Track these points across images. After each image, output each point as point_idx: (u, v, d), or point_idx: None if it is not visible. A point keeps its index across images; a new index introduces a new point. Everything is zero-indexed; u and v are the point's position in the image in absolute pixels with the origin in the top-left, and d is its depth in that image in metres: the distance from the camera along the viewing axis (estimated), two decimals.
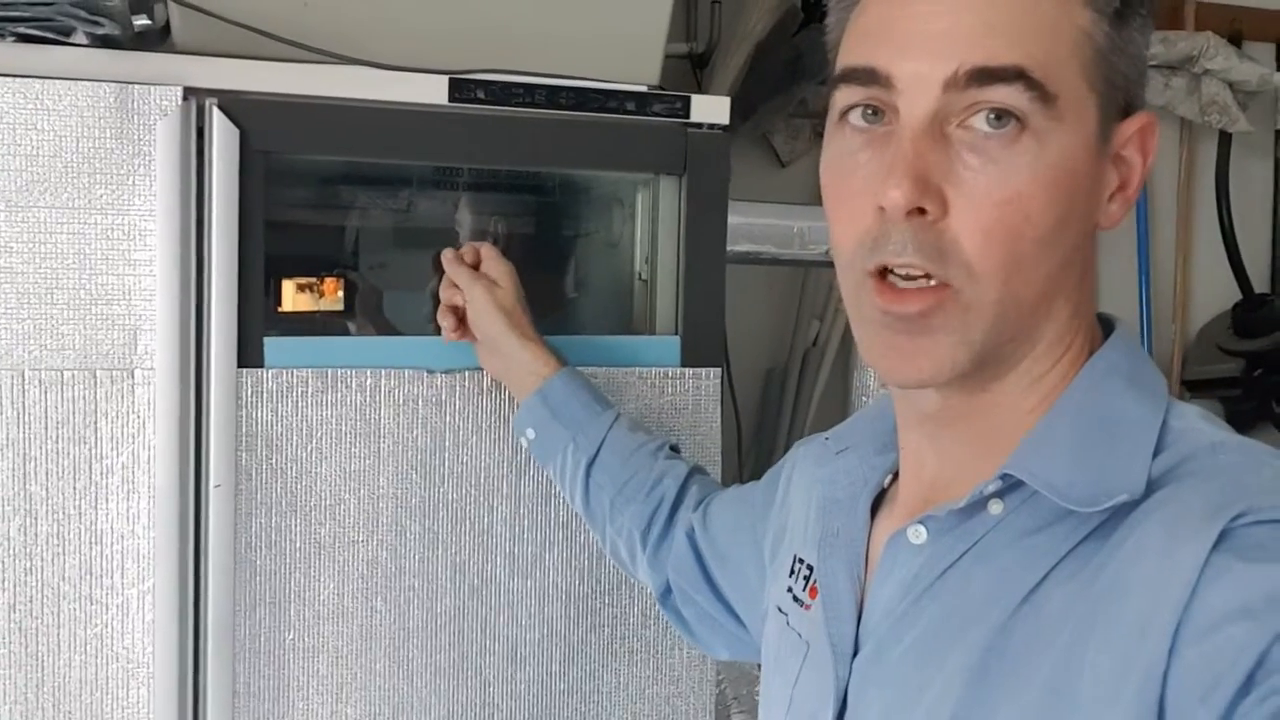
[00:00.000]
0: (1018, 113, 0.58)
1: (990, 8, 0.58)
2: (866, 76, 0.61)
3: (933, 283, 0.60)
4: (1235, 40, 2.08)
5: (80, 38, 0.98)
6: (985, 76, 0.58)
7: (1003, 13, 0.58)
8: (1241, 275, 2.19)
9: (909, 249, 0.59)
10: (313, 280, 1.19)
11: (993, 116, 0.58)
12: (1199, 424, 0.63)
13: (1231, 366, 2.13)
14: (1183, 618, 0.52)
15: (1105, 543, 0.58)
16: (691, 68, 1.77)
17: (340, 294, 1.20)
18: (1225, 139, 2.15)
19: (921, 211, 0.59)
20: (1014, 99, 0.58)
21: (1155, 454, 0.60)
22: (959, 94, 0.58)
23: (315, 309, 1.19)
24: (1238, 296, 2.19)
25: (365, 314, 1.24)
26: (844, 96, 0.63)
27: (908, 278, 0.61)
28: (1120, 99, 0.62)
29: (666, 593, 1.02)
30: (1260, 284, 2.22)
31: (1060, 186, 0.59)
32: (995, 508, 0.63)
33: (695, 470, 1.06)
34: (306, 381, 1.06)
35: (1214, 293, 2.21)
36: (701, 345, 1.18)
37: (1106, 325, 0.68)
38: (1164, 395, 0.64)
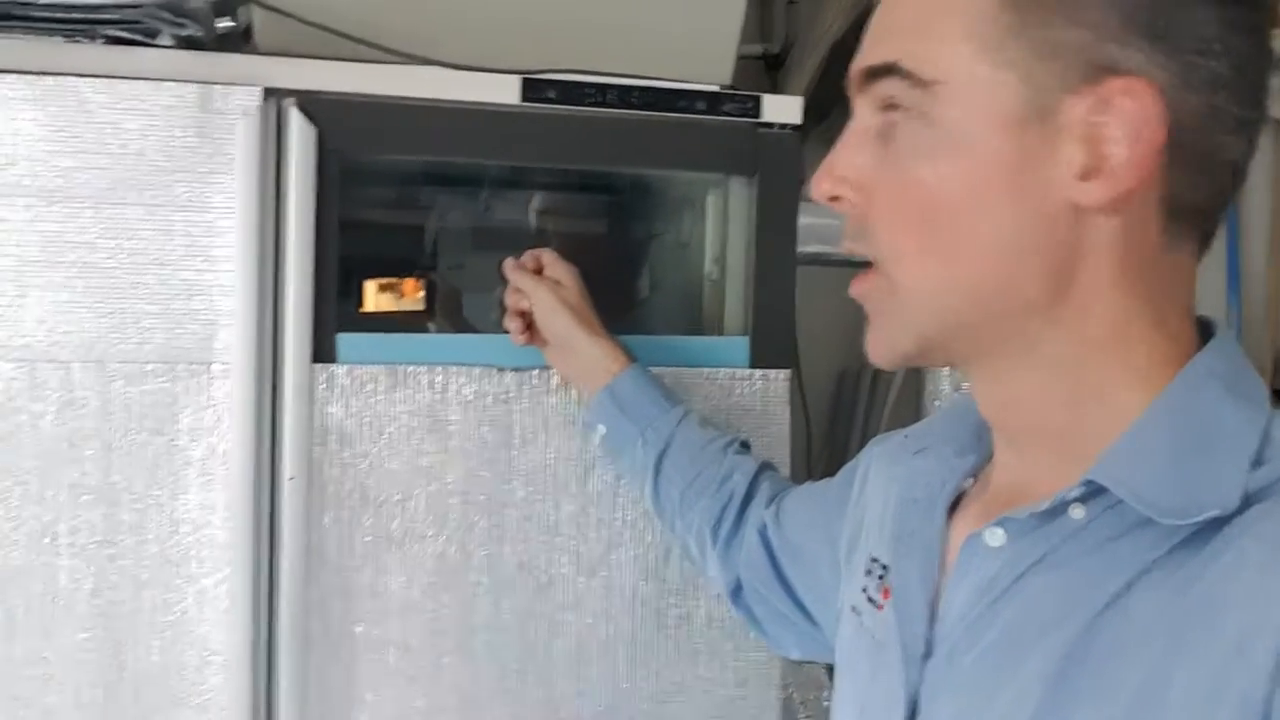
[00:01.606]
0: (900, 103, 0.62)
1: (886, 14, 0.64)
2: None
3: (869, 268, 0.65)
4: None
5: (165, 39, 1.01)
6: (872, 75, 0.63)
7: (893, 16, 0.63)
8: None
9: (845, 234, 0.66)
10: (394, 280, 1.21)
11: (885, 108, 0.63)
12: None
13: None
14: None
15: (1198, 553, 0.56)
16: (766, 69, 1.76)
17: (421, 294, 1.22)
18: None
19: (842, 200, 0.65)
20: (895, 91, 0.61)
21: (1255, 465, 0.57)
22: (865, 94, 0.64)
23: (396, 309, 1.21)
24: None
25: (445, 314, 1.26)
26: None
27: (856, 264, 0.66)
28: (1069, 68, 0.58)
29: (737, 590, 1.01)
30: None
31: (960, 167, 0.60)
32: (1077, 512, 0.61)
33: (765, 466, 1.06)
34: (378, 378, 1.07)
35: None
36: (771, 346, 1.17)
37: (1205, 330, 0.65)
38: (1266, 405, 0.61)
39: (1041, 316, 0.62)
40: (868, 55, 0.63)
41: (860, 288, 0.66)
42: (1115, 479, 0.59)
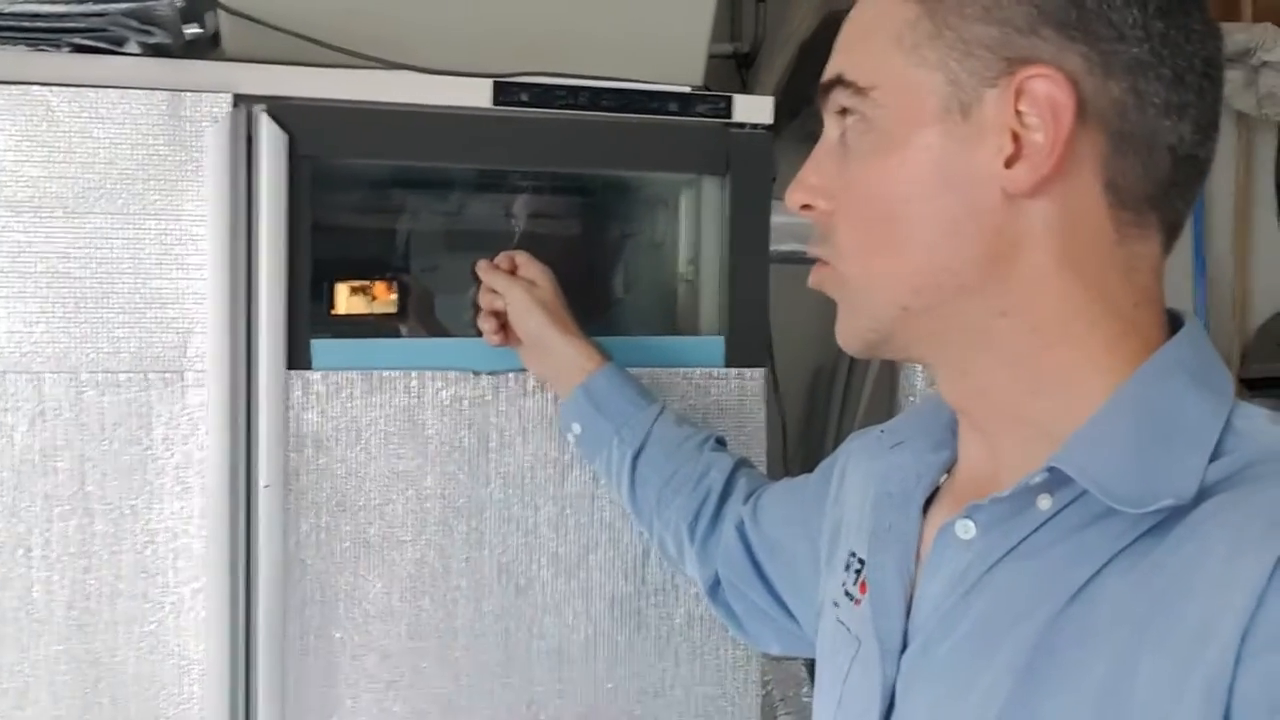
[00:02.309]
0: (848, 110, 0.66)
1: (841, 33, 0.68)
2: None
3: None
4: None
5: (133, 47, 1.01)
6: (827, 88, 0.68)
7: (844, 33, 0.68)
8: None
9: (813, 239, 0.70)
10: (365, 283, 1.20)
11: (839, 119, 0.67)
12: (1267, 426, 0.60)
13: None
14: (1249, 627, 0.51)
15: (1162, 541, 0.57)
16: (736, 68, 1.77)
17: (393, 297, 1.22)
18: None
19: (816, 210, 0.69)
20: (843, 100, 0.66)
21: (1217, 456, 0.58)
22: (827, 106, 0.68)
23: (368, 312, 1.20)
24: None
25: (418, 316, 1.26)
26: None
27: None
28: (986, 63, 0.61)
29: (715, 587, 1.02)
30: None
31: (894, 164, 0.64)
32: (1044, 502, 0.62)
33: (742, 463, 1.06)
34: (354, 383, 1.07)
35: (1274, 289, 2.16)
36: (746, 345, 1.18)
37: (1176, 321, 0.67)
38: (1229, 395, 0.62)
39: (986, 305, 0.63)
40: (826, 72, 0.69)
41: (815, 278, 0.71)
42: (1077, 466, 0.60)
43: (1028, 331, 0.63)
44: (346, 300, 1.19)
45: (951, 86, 0.62)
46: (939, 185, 0.63)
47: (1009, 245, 0.62)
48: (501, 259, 1.12)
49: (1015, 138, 0.61)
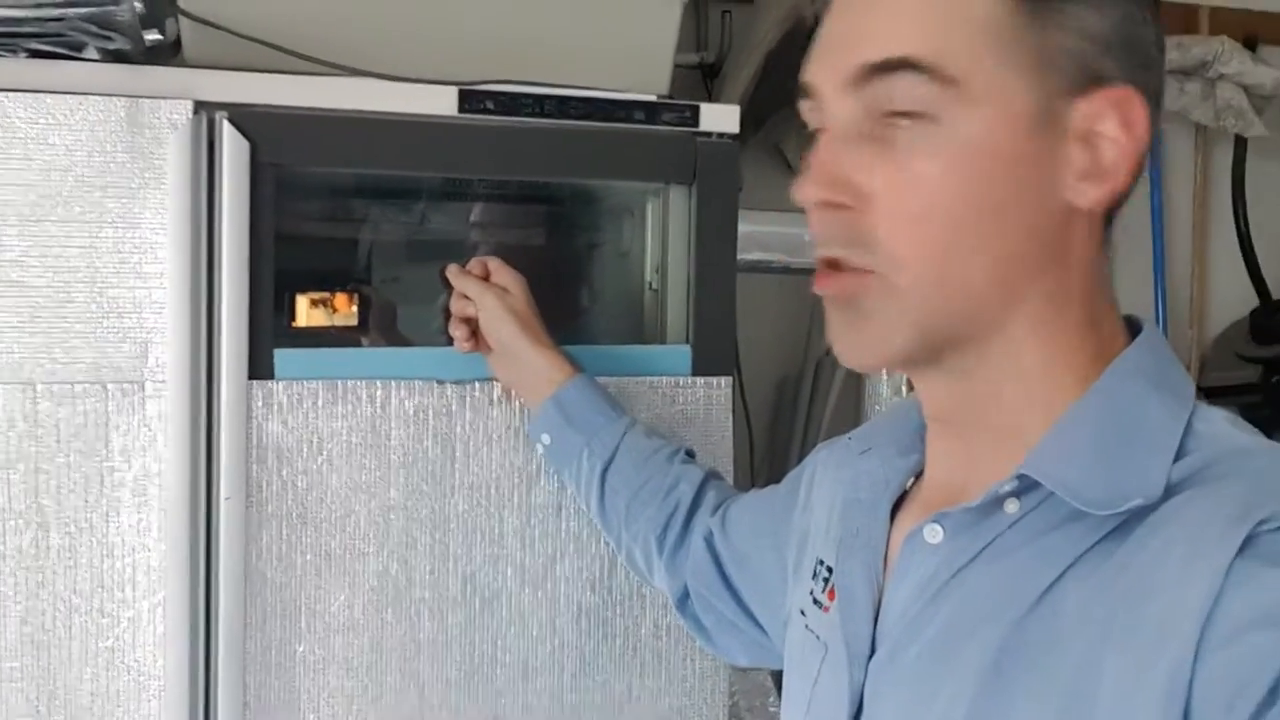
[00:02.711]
0: (917, 102, 0.60)
1: (887, 9, 0.61)
2: (803, 91, 0.65)
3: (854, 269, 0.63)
4: (1250, 44, 2.07)
5: (91, 53, 0.99)
6: (879, 70, 0.60)
7: (898, 10, 0.61)
8: (1259, 281, 2.17)
9: (827, 240, 0.63)
10: (326, 295, 1.19)
11: (894, 108, 0.60)
12: (1226, 428, 0.62)
13: (1250, 373, 2.11)
14: (1206, 624, 0.52)
15: (1124, 543, 0.58)
16: (702, 78, 1.77)
17: (354, 309, 1.20)
18: (1241, 144, 2.14)
19: (842, 207, 0.62)
20: (910, 88, 0.60)
21: (1179, 457, 0.60)
22: (860, 92, 0.61)
23: (329, 324, 1.19)
24: (1255, 303, 2.17)
25: (379, 329, 1.24)
26: (802, 111, 0.67)
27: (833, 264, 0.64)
28: (1069, 74, 0.61)
29: (684, 599, 1.01)
30: (1278, 290, 2.21)
31: (976, 169, 0.60)
32: (1011, 507, 0.62)
33: (711, 475, 1.06)
34: (317, 393, 1.06)
35: (1231, 299, 2.19)
36: (713, 354, 1.18)
37: (1134, 326, 0.68)
38: (1189, 398, 0.63)
39: (1023, 314, 0.63)
40: (865, 49, 0.61)
41: (841, 288, 0.63)
42: (1045, 472, 0.60)
43: (1045, 340, 0.64)
44: (307, 312, 1.17)
45: (1037, 93, 0.60)
46: (1013, 194, 0.61)
47: (1060, 257, 0.63)
48: (474, 264, 1.11)
49: (1092, 152, 0.61)
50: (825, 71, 0.63)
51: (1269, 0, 2.14)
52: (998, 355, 0.64)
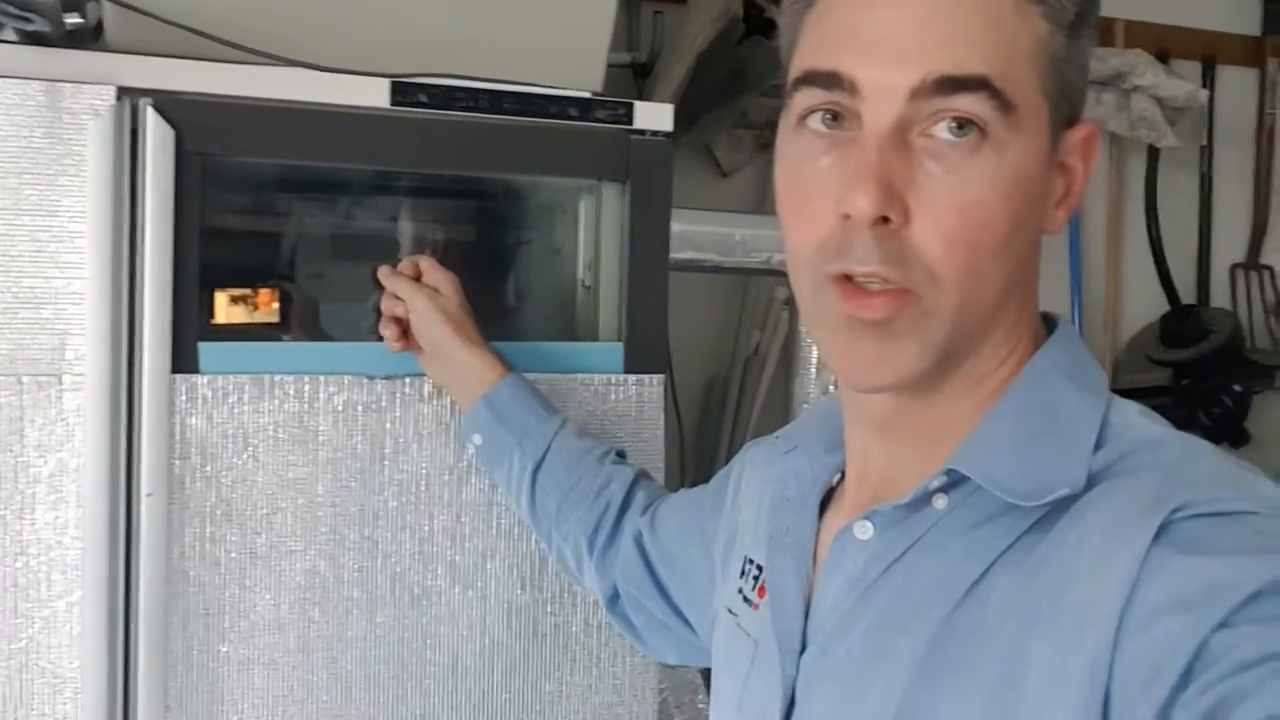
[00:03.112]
0: (980, 122, 0.59)
1: (956, 17, 0.59)
2: (829, 80, 0.61)
3: (892, 286, 0.60)
4: (1163, 58, 2.14)
5: (9, 34, 0.96)
6: (951, 85, 0.58)
7: (968, 22, 0.59)
8: (1169, 287, 2.24)
9: (874, 257, 0.60)
10: (247, 292, 1.16)
11: (955, 125, 0.59)
12: (1139, 420, 0.64)
13: (1160, 376, 2.18)
14: (1124, 611, 0.53)
15: (1047, 535, 0.59)
16: (634, 77, 1.78)
17: (275, 305, 1.18)
18: (1154, 154, 2.21)
19: (885, 220, 0.59)
20: (977, 108, 0.58)
21: (1096, 448, 0.61)
22: (924, 102, 0.59)
23: (249, 321, 1.16)
24: (1166, 308, 2.24)
25: (301, 326, 1.22)
26: (804, 99, 0.63)
27: (868, 281, 0.61)
28: (1067, 108, 0.63)
29: (614, 598, 1.01)
30: (1188, 295, 2.29)
31: (1016, 194, 0.60)
32: (940, 502, 0.64)
33: (641, 475, 1.06)
34: (243, 388, 1.04)
35: (1143, 304, 2.26)
36: (645, 352, 1.18)
37: (1050, 323, 0.70)
38: (1104, 391, 0.66)
39: (998, 334, 0.65)
40: (938, 60, 0.59)
41: (886, 310, 0.61)
42: (972, 467, 0.62)
43: (1004, 355, 0.66)
44: (226, 310, 1.15)
45: (1053, 122, 0.62)
46: (1029, 221, 0.63)
47: (1029, 279, 0.66)
48: (405, 264, 1.09)
49: (1066, 181, 0.65)
50: (882, 70, 0.60)
51: (1181, 15, 2.21)
52: (966, 371, 0.65)
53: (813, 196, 0.62)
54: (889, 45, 0.59)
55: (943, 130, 0.59)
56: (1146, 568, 0.53)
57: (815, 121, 0.62)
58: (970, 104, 0.58)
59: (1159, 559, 0.53)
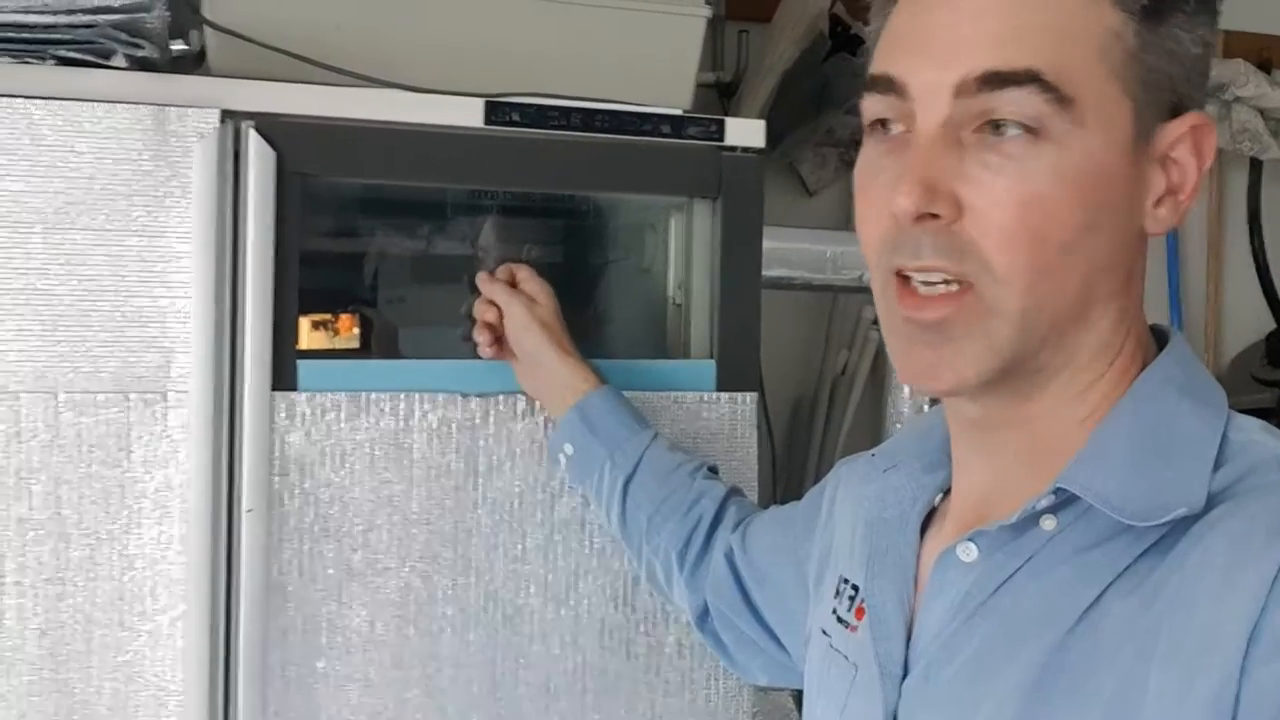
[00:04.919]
0: (1032, 117, 0.59)
1: (1006, 13, 0.59)
2: (885, 85, 0.63)
3: (955, 287, 0.61)
4: (1265, 67, 2.08)
5: (119, 60, 0.99)
6: (997, 80, 0.58)
7: (1019, 17, 0.59)
8: (1274, 304, 2.17)
9: (925, 251, 0.60)
10: (328, 317, 1.18)
11: (1007, 121, 0.59)
12: (1262, 436, 0.62)
13: (1266, 396, 2.10)
14: (1252, 636, 0.51)
15: (1165, 557, 0.57)
16: (719, 97, 1.77)
17: (355, 331, 1.19)
18: (1256, 166, 2.14)
19: (934, 216, 0.60)
20: (1028, 102, 0.58)
21: (1216, 467, 0.59)
22: (972, 99, 0.59)
23: (330, 347, 1.18)
24: (1271, 325, 2.17)
25: (380, 353, 1.23)
26: (869, 105, 0.64)
27: (928, 284, 0.61)
28: (1163, 99, 0.61)
29: (704, 615, 1.00)
30: None
31: (1084, 190, 0.59)
32: (1048, 523, 0.62)
33: (733, 491, 1.05)
34: (340, 405, 1.05)
35: (1247, 322, 2.19)
36: (737, 369, 1.17)
37: (1160, 337, 0.67)
38: (1223, 407, 0.63)
39: (1093, 335, 0.63)
40: (984, 55, 0.59)
41: (942, 311, 0.61)
42: (1082, 485, 0.60)
43: (1105, 363, 0.64)
44: (308, 335, 1.16)
45: (1138, 116, 0.61)
46: (1112, 216, 0.61)
47: (1128, 281, 0.64)
48: (501, 271, 1.10)
49: (1170, 178, 0.62)
50: (928, 71, 0.61)
51: None
52: (1064, 381, 0.64)
53: (875, 196, 0.64)
54: (936, 45, 0.60)
55: (995, 126, 0.59)
56: (1276, 592, 0.51)
57: (880, 126, 0.64)
58: (1020, 98, 0.58)
59: None
